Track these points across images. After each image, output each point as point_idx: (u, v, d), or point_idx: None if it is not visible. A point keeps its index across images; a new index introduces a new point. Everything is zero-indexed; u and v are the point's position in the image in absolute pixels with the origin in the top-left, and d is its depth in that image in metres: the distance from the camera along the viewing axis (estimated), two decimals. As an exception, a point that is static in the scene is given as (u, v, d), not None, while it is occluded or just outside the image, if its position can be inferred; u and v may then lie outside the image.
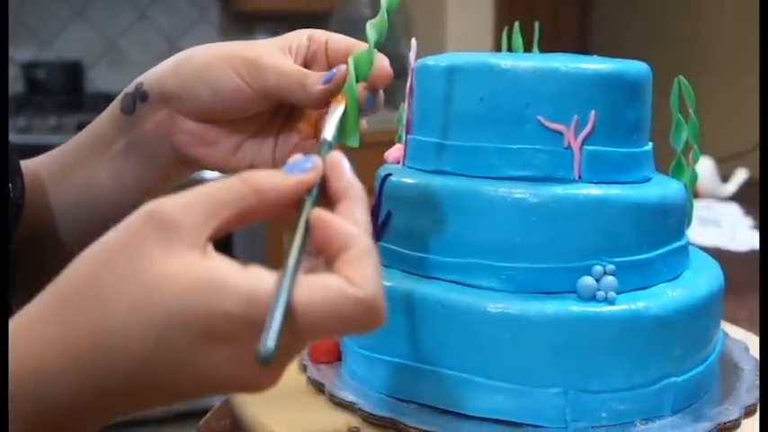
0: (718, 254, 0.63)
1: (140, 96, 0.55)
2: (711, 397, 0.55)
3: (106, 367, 0.35)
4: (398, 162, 0.61)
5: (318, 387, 0.56)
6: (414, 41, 0.60)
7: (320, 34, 0.54)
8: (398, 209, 0.56)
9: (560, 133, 0.53)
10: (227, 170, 0.55)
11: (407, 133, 0.60)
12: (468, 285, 0.53)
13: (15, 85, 2.59)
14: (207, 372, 0.35)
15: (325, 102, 0.50)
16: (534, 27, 0.67)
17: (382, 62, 0.50)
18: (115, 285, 0.35)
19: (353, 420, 0.52)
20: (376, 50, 0.50)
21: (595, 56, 0.57)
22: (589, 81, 0.53)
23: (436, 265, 0.54)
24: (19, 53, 2.61)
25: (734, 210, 1.42)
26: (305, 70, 0.51)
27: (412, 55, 0.59)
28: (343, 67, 0.50)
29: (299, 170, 0.39)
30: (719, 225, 1.29)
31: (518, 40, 0.67)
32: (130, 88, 0.55)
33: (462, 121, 0.55)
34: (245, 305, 0.35)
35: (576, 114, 0.53)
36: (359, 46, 0.51)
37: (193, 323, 0.34)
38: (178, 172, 0.58)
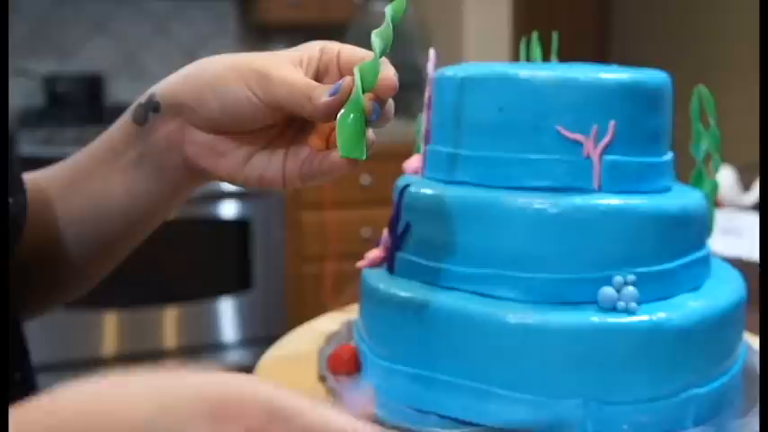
0: (739, 264, 0.63)
1: (152, 107, 0.55)
2: (734, 409, 0.55)
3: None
4: (417, 173, 0.61)
5: (338, 398, 0.56)
6: (432, 52, 0.60)
7: (332, 46, 0.54)
8: (417, 219, 0.56)
9: (580, 143, 0.53)
10: (236, 181, 0.55)
11: (426, 144, 0.60)
12: (487, 296, 0.52)
13: (36, 97, 2.61)
14: None
15: (332, 114, 0.50)
16: (552, 36, 0.67)
17: (388, 72, 0.50)
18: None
19: (373, 432, 0.52)
20: (382, 60, 0.50)
21: (614, 65, 0.57)
22: (608, 91, 0.53)
23: (455, 276, 0.54)
24: (40, 66, 2.64)
25: (755, 219, 1.40)
26: (313, 83, 0.51)
27: (430, 66, 0.59)
28: (348, 78, 0.49)
29: None
30: (741, 235, 1.28)
31: (536, 49, 0.67)
32: (142, 99, 0.56)
33: (481, 132, 0.55)
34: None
35: (595, 124, 0.53)
36: (370, 57, 0.51)
37: (206, 396, 0.33)
38: (189, 182, 0.58)
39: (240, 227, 2.36)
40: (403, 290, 0.55)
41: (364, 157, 0.50)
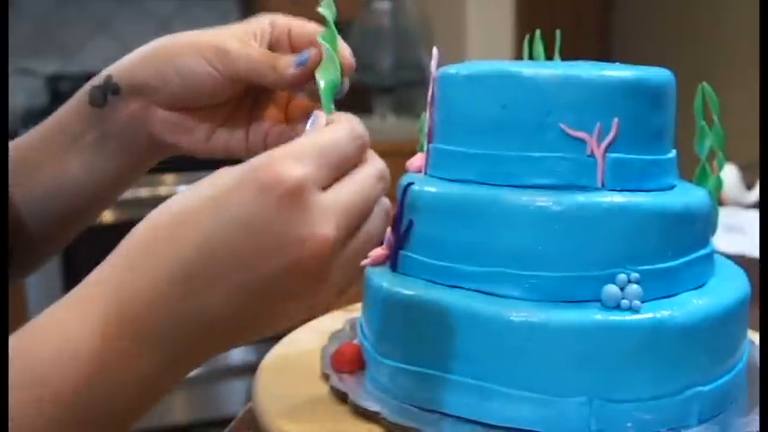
0: (743, 262, 0.63)
1: (112, 89, 0.55)
2: (738, 407, 0.55)
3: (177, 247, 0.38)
4: (420, 171, 0.61)
5: (341, 397, 0.56)
6: (435, 50, 0.60)
7: (283, 20, 0.55)
8: (421, 218, 0.56)
9: (583, 141, 0.53)
10: (203, 155, 0.58)
11: (429, 142, 0.60)
12: (491, 294, 0.52)
13: (39, 97, 2.61)
14: (277, 242, 0.37)
15: (299, 84, 0.52)
16: (555, 34, 0.67)
17: (344, 50, 0.52)
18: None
19: (377, 430, 0.52)
20: (337, 34, 0.51)
21: (618, 63, 0.57)
22: (612, 88, 0.53)
23: (459, 274, 0.54)
24: (43, 66, 2.64)
25: (759, 217, 1.40)
26: (274, 54, 0.53)
27: (433, 64, 0.59)
28: (314, 49, 0.52)
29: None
30: (745, 232, 1.28)
31: (539, 47, 0.67)
32: (98, 81, 0.56)
33: (484, 130, 0.55)
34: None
35: (598, 122, 0.53)
36: (320, 31, 0.52)
37: (248, 178, 0.38)
38: (154, 155, 0.60)
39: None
40: (406, 288, 0.55)
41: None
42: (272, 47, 0.55)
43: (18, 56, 2.58)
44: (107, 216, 2.12)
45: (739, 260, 0.63)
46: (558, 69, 0.54)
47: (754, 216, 1.41)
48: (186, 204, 0.39)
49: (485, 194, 0.53)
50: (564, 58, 0.65)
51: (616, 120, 0.53)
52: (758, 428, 0.51)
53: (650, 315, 0.50)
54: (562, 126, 0.53)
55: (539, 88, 0.53)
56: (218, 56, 0.53)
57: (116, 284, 0.38)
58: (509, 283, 0.52)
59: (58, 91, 2.58)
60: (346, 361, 0.59)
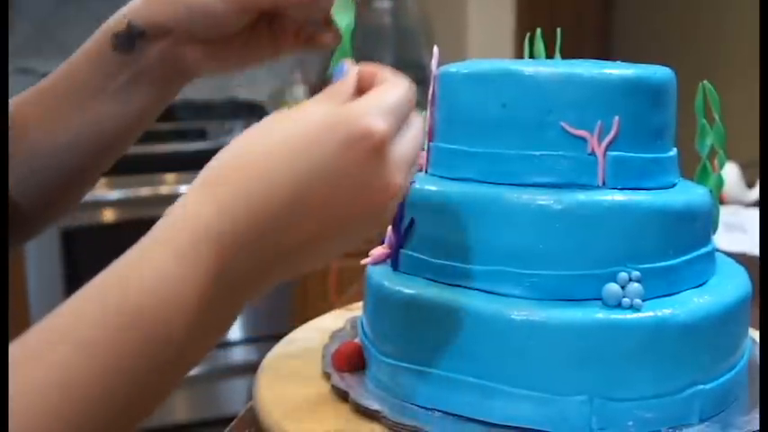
0: (744, 260, 0.63)
1: (137, 33, 0.57)
2: (740, 405, 0.55)
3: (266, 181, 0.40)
4: (421, 169, 0.61)
5: (342, 395, 0.56)
6: (436, 49, 0.60)
7: None
8: (421, 216, 0.56)
9: (584, 139, 0.53)
10: (237, 71, 0.61)
11: (430, 141, 0.60)
12: (492, 293, 0.52)
13: (40, 96, 2.61)
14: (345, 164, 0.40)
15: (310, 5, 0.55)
16: (556, 33, 0.67)
17: None
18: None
19: (378, 429, 0.52)
20: None
21: (618, 61, 0.56)
22: (612, 87, 0.53)
23: (460, 273, 0.54)
24: (43, 65, 2.64)
25: (759, 215, 1.40)
26: None
27: (434, 63, 0.59)
28: None
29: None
30: (745, 231, 1.28)
31: (540, 46, 0.67)
32: (119, 28, 0.57)
33: (484, 128, 0.55)
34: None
35: (599, 120, 0.53)
36: None
37: (338, 130, 0.40)
38: (182, 86, 0.61)
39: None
40: (407, 287, 0.55)
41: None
42: None
43: (19, 56, 2.58)
44: (107, 216, 2.13)
45: (740, 258, 0.63)
46: (558, 68, 0.54)
47: (754, 214, 1.41)
48: (278, 144, 0.41)
49: (485, 193, 0.53)
50: (564, 56, 0.65)
51: (617, 118, 0.53)
52: (759, 427, 0.51)
53: (651, 313, 0.50)
54: (563, 124, 0.53)
55: (539, 87, 0.53)
56: None
57: (206, 225, 0.39)
58: (510, 281, 0.52)
59: (59, 90, 2.58)
60: (347, 360, 0.59)
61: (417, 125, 0.45)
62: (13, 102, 0.61)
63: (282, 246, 0.41)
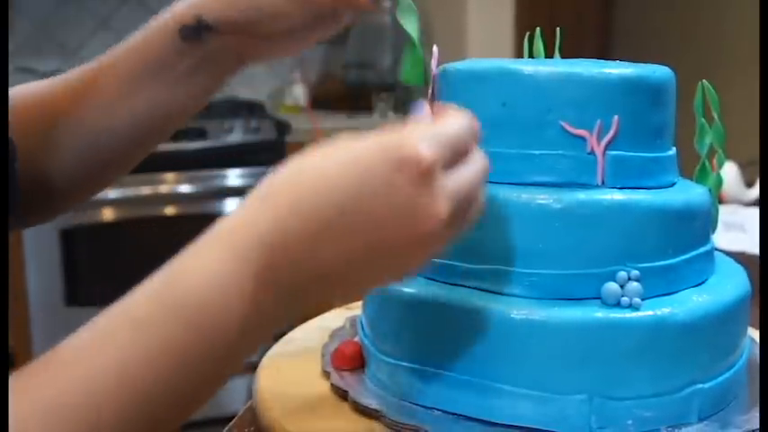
0: (743, 259, 0.63)
1: (205, 27, 0.59)
2: (739, 404, 0.55)
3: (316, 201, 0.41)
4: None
5: (342, 394, 0.56)
6: (435, 48, 0.60)
7: None
8: (421, 215, 0.56)
9: (583, 138, 0.53)
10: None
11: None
12: (491, 292, 0.52)
13: (40, 95, 2.61)
14: (397, 195, 0.41)
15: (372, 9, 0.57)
16: (555, 32, 0.67)
17: None
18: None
19: (377, 428, 0.52)
20: None
21: (618, 60, 0.57)
22: (612, 86, 0.53)
23: (459, 272, 0.54)
24: (44, 64, 2.64)
25: (759, 214, 1.40)
26: None
27: (433, 62, 0.59)
28: None
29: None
30: (745, 230, 1.28)
31: (539, 45, 0.67)
32: (188, 21, 0.58)
33: (484, 127, 0.54)
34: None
35: (598, 119, 0.53)
36: None
37: (388, 153, 0.41)
38: (238, 72, 0.64)
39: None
40: (407, 286, 0.55)
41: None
42: None
43: (19, 55, 2.58)
44: (107, 214, 2.13)
45: (739, 258, 0.63)
46: (558, 67, 0.54)
47: (754, 214, 1.41)
48: (334, 163, 0.42)
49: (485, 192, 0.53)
50: (564, 56, 0.66)
51: (616, 117, 0.53)
52: (758, 426, 0.51)
53: (650, 312, 0.50)
54: (562, 124, 0.53)
55: (539, 86, 0.53)
56: None
57: (259, 233, 0.41)
58: (509, 280, 0.52)
59: (59, 90, 2.58)
60: (347, 359, 0.59)
61: (479, 163, 0.45)
62: (56, 81, 0.63)
63: (326, 263, 0.41)
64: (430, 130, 0.43)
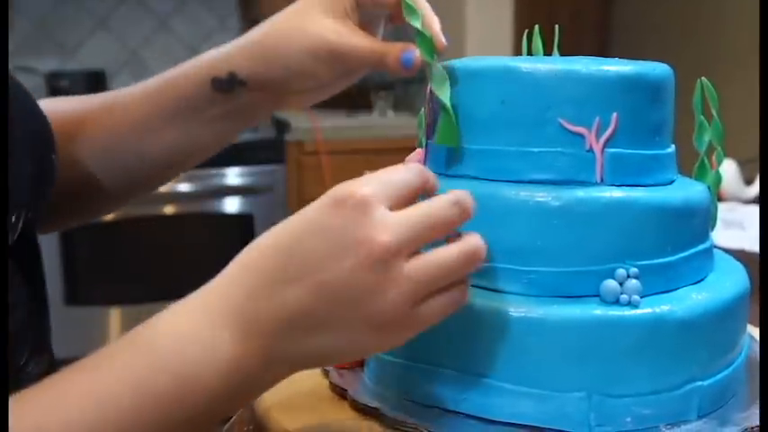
0: (743, 256, 0.63)
1: (239, 82, 0.62)
2: (738, 401, 0.55)
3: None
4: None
5: (341, 393, 0.56)
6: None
7: None
8: (419, 214, 0.56)
9: (582, 136, 0.53)
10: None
11: (428, 138, 0.60)
12: (490, 290, 0.52)
13: (39, 94, 2.60)
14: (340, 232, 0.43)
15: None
16: (554, 30, 0.67)
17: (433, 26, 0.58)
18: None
19: (376, 426, 0.52)
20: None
21: (617, 58, 0.56)
22: (610, 83, 0.53)
23: (458, 270, 0.54)
24: (43, 64, 2.64)
25: (758, 212, 1.40)
26: (380, 48, 0.58)
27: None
28: (417, 51, 0.56)
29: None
30: (744, 227, 1.28)
31: (538, 43, 0.67)
32: (220, 74, 0.62)
33: (483, 125, 0.55)
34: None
35: (597, 117, 0.53)
36: None
37: (327, 198, 0.45)
38: (264, 119, 0.72)
39: (243, 222, 2.37)
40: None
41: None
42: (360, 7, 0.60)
43: (18, 54, 2.58)
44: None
45: (738, 255, 0.63)
46: (556, 64, 0.54)
47: (753, 211, 1.41)
48: (279, 227, 0.46)
49: (483, 190, 0.53)
50: (563, 53, 0.65)
51: (615, 114, 0.53)
52: (757, 423, 0.51)
53: (649, 310, 0.50)
54: (561, 121, 0.53)
55: (537, 83, 0.53)
56: (333, 59, 0.59)
57: (224, 297, 0.45)
58: (508, 278, 0.52)
59: (58, 88, 2.58)
60: (346, 357, 0.59)
61: (439, 199, 0.45)
62: (87, 100, 0.69)
63: (287, 305, 0.44)
64: (373, 175, 0.45)
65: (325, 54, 0.59)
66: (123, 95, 0.67)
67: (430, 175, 0.47)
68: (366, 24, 0.61)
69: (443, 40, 0.57)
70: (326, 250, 0.43)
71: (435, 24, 0.58)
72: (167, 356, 0.44)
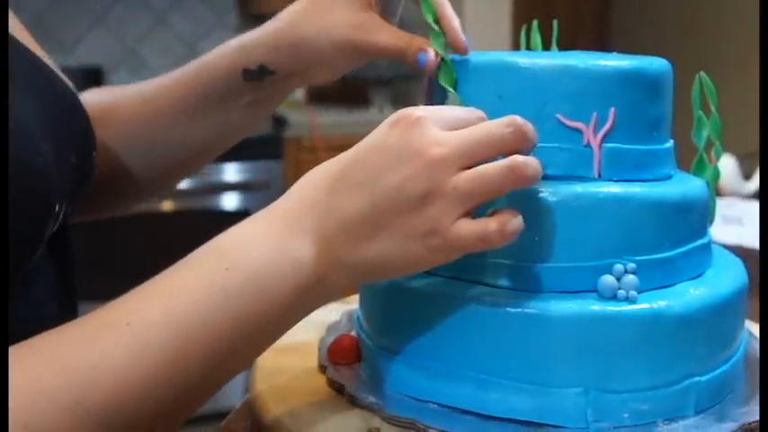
0: (741, 252, 0.63)
1: (269, 73, 0.66)
2: (736, 397, 0.55)
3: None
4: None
5: (338, 388, 0.56)
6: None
7: None
8: (417, 209, 0.56)
9: (580, 131, 0.53)
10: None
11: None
12: (487, 285, 0.52)
13: (37, 91, 2.61)
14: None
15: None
16: (553, 25, 0.66)
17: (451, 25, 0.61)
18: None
19: (374, 421, 0.52)
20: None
21: (615, 52, 0.56)
22: (609, 78, 0.53)
23: (456, 266, 0.53)
24: (40, 59, 2.63)
25: (757, 207, 1.40)
26: (402, 44, 0.60)
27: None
28: (431, 52, 0.58)
29: None
30: (742, 223, 1.28)
31: (536, 38, 0.67)
32: (251, 66, 0.65)
33: (480, 121, 0.55)
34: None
35: (595, 112, 0.53)
36: None
37: (388, 120, 0.49)
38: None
39: (241, 218, 2.36)
40: (403, 280, 0.55)
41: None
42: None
43: (14, 50, 2.57)
44: (105, 210, 2.12)
45: (737, 250, 0.63)
46: (554, 59, 0.54)
47: (751, 207, 1.41)
48: (340, 154, 0.49)
49: (481, 185, 0.53)
50: (561, 48, 0.65)
51: (613, 110, 0.53)
52: (756, 418, 0.51)
53: (647, 305, 0.50)
54: (559, 116, 0.53)
55: (535, 78, 0.53)
56: (358, 53, 0.62)
57: (291, 207, 0.49)
58: (505, 273, 0.52)
59: (56, 85, 2.58)
60: (343, 353, 0.59)
61: (493, 123, 0.48)
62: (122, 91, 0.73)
63: (345, 210, 0.47)
64: (430, 107, 0.49)
65: (349, 48, 0.62)
66: (151, 86, 0.71)
67: (485, 117, 0.50)
68: (385, 7, 0.64)
69: (462, 39, 0.59)
70: (385, 162, 0.46)
71: (454, 22, 0.60)
72: (239, 260, 0.48)
